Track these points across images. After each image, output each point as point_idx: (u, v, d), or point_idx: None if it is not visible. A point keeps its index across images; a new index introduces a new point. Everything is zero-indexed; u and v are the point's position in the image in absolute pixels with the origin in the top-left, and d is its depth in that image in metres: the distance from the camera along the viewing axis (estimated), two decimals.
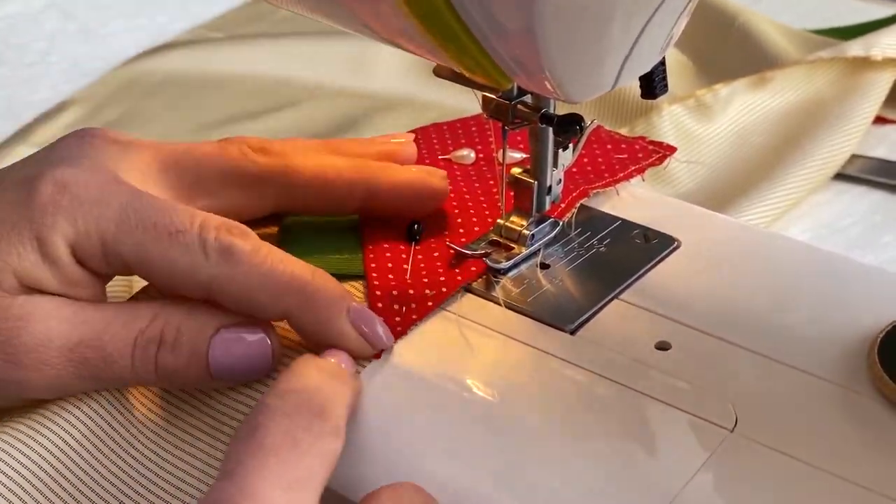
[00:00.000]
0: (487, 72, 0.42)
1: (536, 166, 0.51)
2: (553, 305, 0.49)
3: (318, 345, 0.46)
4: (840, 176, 0.75)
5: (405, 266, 0.51)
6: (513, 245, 0.52)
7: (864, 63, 0.78)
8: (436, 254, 0.52)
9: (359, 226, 0.54)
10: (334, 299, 0.46)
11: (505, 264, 0.51)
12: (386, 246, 0.52)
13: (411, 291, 0.49)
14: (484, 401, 0.45)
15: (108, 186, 0.46)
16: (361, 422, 0.45)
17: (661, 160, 0.58)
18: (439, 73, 0.48)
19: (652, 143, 0.59)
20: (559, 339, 0.47)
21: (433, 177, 0.54)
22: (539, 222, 0.52)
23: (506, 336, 0.48)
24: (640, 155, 0.58)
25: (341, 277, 0.49)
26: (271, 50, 0.93)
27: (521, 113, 0.49)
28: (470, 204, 0.55)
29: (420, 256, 0.51)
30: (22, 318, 0.44)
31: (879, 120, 0.79)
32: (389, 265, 0.51)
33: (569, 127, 0.48)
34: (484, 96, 0.49)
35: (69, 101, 0.88)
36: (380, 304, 0.49)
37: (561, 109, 0.54)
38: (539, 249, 0.52)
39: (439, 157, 0.58)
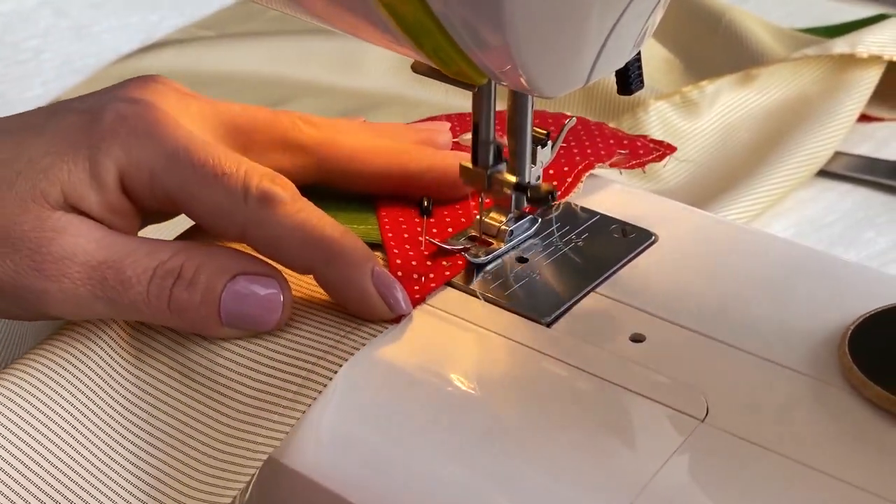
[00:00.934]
0: (462, 68, 0.43)
1: (514, 164, 0.51)
2: (530, 298, 0.50)
3: (340, 301, 0.48)
4: (824, 173, 0.76)
5: (420, 238, 0.52)
6: (491, 241, 0.52)
7: (850, 60, 0.78)
8: (449, 229, 0.53)
9: (372, 199, 0.55)
10: (360, 259, 0.48)
11: (483, 258, 0.51)
12: (401, 219, 0.53)
13: (429, 263, 0.51)
14: (461, 393, 0.46)
15: (165, 125, 0.48)
16: (343, 415, 0.45)
17: (660, 158, 0.59)
18: (417, 69, 0.48)
19: (653, 141, 0.60)
20: (536, 332, 0.48)
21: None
22: (517, 219, 0.53)
23: (483, 329, 0.48)
24: (642, 152, 0.59)
25: None
26: (262, 48, 0.93)
27: (496, 182, 0.51)
28: None
29: (435, 230, 0.53)
30: (56, 230, 0.46)
31: (864, 118, 0.79)
32: (405, 235, 0.52)
33: (543, 200, 0.50)
34: (460, 164, 0.52)
35: (61, 99, 0.88)
36: (399, 273, 0.50)
37: (542, 105, 0.55)
38: (517, 243, 0.53)
39: None
